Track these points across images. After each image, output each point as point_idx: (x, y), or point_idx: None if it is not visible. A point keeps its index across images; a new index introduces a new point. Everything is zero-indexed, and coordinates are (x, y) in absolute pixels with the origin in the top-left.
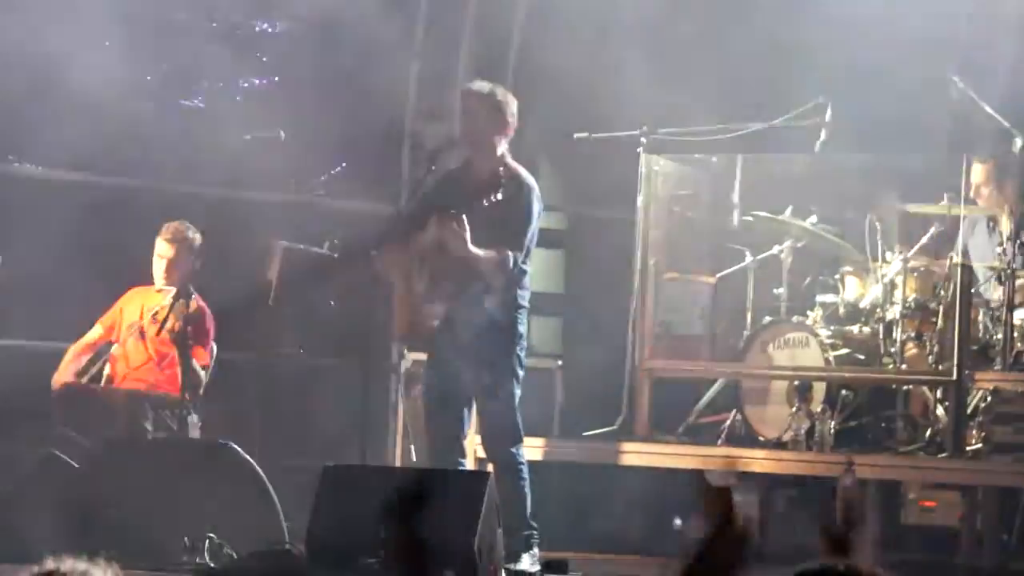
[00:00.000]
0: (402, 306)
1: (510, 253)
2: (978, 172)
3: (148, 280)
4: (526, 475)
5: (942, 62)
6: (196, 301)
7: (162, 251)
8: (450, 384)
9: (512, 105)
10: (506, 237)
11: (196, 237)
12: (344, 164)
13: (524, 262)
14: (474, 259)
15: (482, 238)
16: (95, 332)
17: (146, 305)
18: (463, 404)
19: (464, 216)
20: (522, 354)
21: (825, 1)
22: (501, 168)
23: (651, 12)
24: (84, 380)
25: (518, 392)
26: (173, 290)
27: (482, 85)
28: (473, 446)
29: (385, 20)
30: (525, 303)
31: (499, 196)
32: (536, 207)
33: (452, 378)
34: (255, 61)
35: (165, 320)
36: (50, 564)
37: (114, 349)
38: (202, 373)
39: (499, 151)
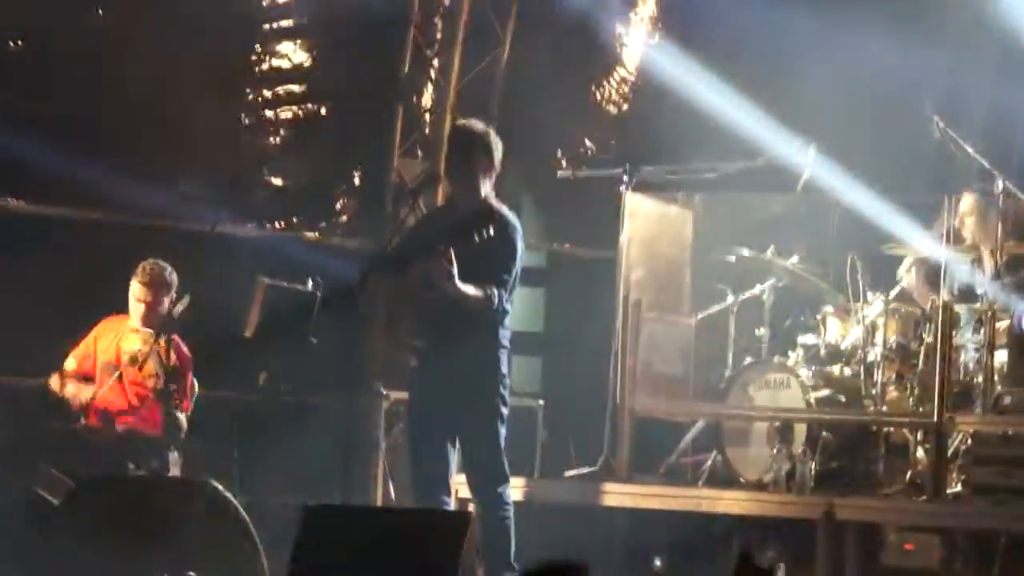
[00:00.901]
0: (383, 343)
1: (495, 291)
2: (967, 202)
3: (121, 310)
4: (511, 515)
5: (923, 103)
6: (176, 347)
7: (138, 294)
8: (433, 423)
9: (499, 148)
10: (491, 275)
11: (173, 277)
12: (328, 202)
13: (507, 301)
14: (461, 296)
15: (467, 276)
16: (69, 364)
17: (123, 347)
18: (446, 443)
19: (453, 252)
20: (506, 393)
21: (808, 43)
22: (488, 208)
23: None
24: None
25: (503, 431)
26: (150, 332)
27: (475, 123)
28: (456, 485)
29: (371, 60)
30: (506, 343)
31: (491, 231)
32: (520, 246)
33: (435, 417)
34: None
35: (144, 363)
36: None
37: (92, 387)
38: (183, 419)
39: (483, 191)
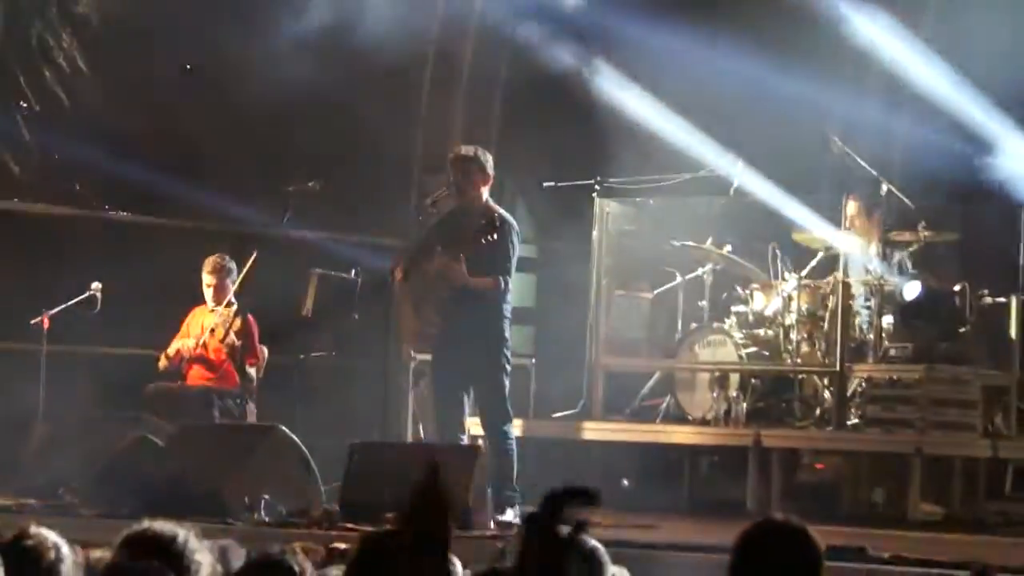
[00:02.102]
0: (412, 319)
1: (500, 278)
2: (852, 207)
3: (203, 300)
4: (514, 448)
5: (825, 124)
6: (247, 320)
7: (207, 281)
8: (452, 378)
9: (490, 161)
10: (496, 265)
11: (231, 264)
12: (366, 209)
13: (508, 283)
14: (470, 284)
15: (477, 266)
16: (171, 349)
17: (205, 323)
18: (462, 394)
19: (462, 254)
20: (508, 353)
21: (736, 81)
22: (490, 211)
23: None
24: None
25: (507, 382)
26: (224, 309)
27: (467, 149)
28: (468, 426)
29: (394, 94)
30: (509, 314)
31: (495, 236)
32: (517, 241)
33: (454, 374)
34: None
35: (226, 334)
36: (146, 525)
37: (187, 356)
38: (253, 373)
39: (484, 197)
